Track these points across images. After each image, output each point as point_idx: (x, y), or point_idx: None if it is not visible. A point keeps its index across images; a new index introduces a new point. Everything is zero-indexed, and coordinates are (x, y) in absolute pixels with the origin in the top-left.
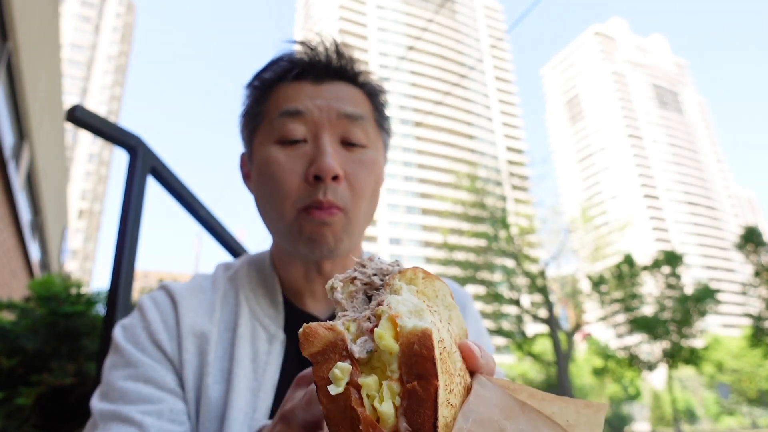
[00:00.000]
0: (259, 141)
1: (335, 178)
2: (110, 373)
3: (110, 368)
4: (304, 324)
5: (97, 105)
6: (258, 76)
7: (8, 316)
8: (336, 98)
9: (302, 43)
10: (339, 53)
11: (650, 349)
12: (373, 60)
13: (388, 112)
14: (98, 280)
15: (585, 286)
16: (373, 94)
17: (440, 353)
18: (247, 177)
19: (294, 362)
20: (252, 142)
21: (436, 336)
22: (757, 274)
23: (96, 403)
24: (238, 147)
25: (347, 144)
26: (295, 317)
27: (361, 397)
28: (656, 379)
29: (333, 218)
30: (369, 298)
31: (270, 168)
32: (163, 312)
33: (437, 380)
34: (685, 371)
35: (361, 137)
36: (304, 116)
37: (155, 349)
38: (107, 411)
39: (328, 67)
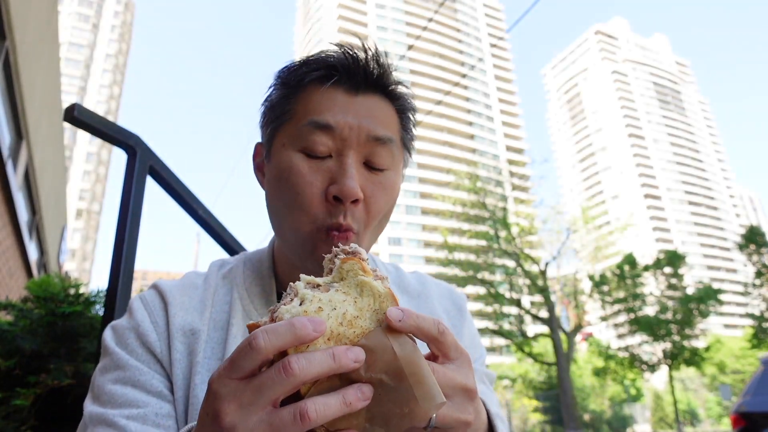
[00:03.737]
0: (281, 142)
1: (354, 200)
2: (101, 375)
3: (101, 371)
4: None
5: (95, 104)
6: (291, 69)
7: (6, 317)
8: (368, 116)
9: (341, 46)
10: (379, 62)
11: (652, 349)
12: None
13: (414, 130)
14: (97, 280)
15: (586, 286)
16: (404, 111)
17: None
18: (259, 169)
19: None
20: (273, 138)
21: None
22: (759, 274)
23: (88, 405)
24: (238, 146)
25: (370, 167)
26: None
27: None
28: (657, 380)
29: (346, 243)
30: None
31: (291, 176)
32: (152, 312)
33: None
34: (687, 372)
35: (386, 161)
36: (333, 131)
37: (144, 351)
38: (96, 414)
39: (366, 77)
